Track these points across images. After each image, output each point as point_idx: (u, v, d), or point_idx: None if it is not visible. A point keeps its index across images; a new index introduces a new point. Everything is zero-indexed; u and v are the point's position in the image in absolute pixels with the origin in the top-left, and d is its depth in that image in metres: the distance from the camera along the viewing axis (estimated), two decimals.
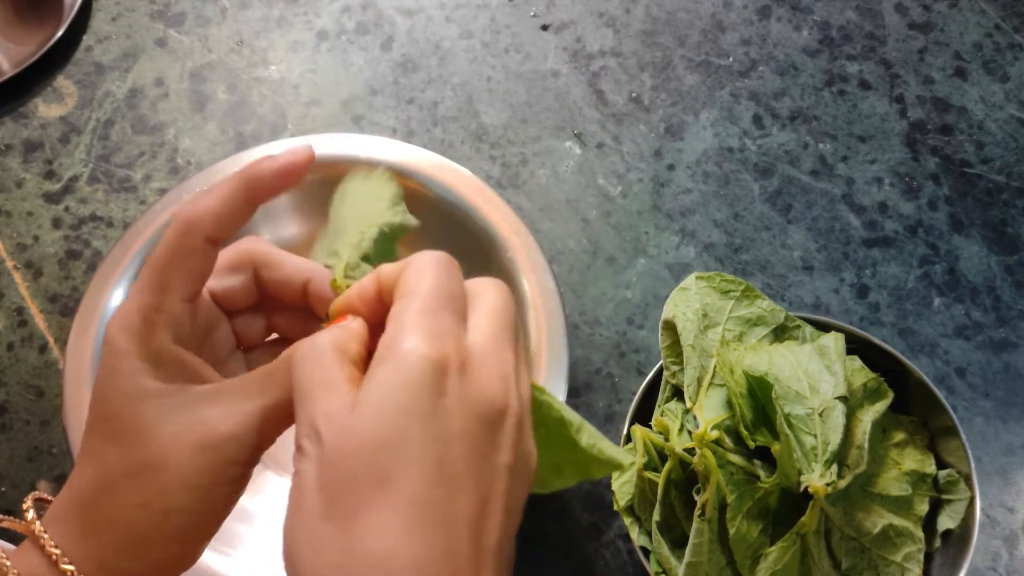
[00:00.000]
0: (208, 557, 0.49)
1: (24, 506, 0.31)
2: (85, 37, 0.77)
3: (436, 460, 0.25)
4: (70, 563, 0.29)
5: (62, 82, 0.75)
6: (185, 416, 0.29)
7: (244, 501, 0.55)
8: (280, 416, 0.30)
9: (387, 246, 0.36)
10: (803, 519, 0.44)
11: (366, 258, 0.34)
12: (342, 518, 0.25)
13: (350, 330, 0.29)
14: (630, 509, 0.51)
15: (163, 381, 0.30)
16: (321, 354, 0.28)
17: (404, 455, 0.25)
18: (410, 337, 0.26)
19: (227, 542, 0.51)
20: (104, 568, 0.30)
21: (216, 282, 0.35)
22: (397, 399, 0.25)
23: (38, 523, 0.30)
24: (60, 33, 0.74)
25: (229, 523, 0.53)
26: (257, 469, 0.58)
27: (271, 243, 0.36)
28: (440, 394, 0.26)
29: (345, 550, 0.25)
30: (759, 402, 0.46)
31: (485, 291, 0.30)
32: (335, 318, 0.31)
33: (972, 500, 0.49)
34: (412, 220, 0.37)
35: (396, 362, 0.26)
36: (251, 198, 0.32)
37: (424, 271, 0.29)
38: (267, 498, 0.57)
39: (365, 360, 0.29)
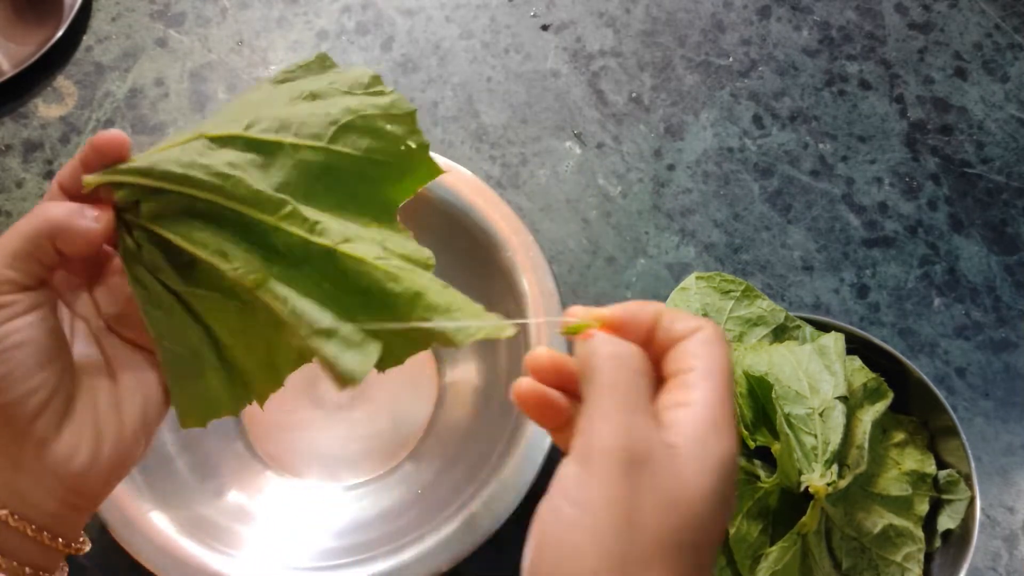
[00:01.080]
0: (208, 557, 0.49)
1: None
2: (85, 37, 0.77)
3: (718, 537, 0.27)
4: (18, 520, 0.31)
5: (62, 82, 0.75)
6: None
7: (244, 502, 0.56)
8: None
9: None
10: (804, 519, 0.44)
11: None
12: (657, 567, 0.26)
13: (638, 357, 0.29)
14: None
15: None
16: (640, 367, 0.29)
17: (710, 529, 0.27)
18: (727, 421, 0.28)
19: (228, 542, 0.51)
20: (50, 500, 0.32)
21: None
22: (717, 482, 0.27)
23: None
24: (60, 33, 0.74)
25: (229, 523, 0.54)
26: (257, 469, 0.59)
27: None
28: (733, 483, 0.28)
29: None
30: (759, 402, 0.46)
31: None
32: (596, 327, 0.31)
33: (972, 500, 0.49)
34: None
35: (722, 445, 0.27)
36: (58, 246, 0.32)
37: (723, 348, 0.29)
38: (267, 498, 0.57)
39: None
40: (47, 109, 0.74)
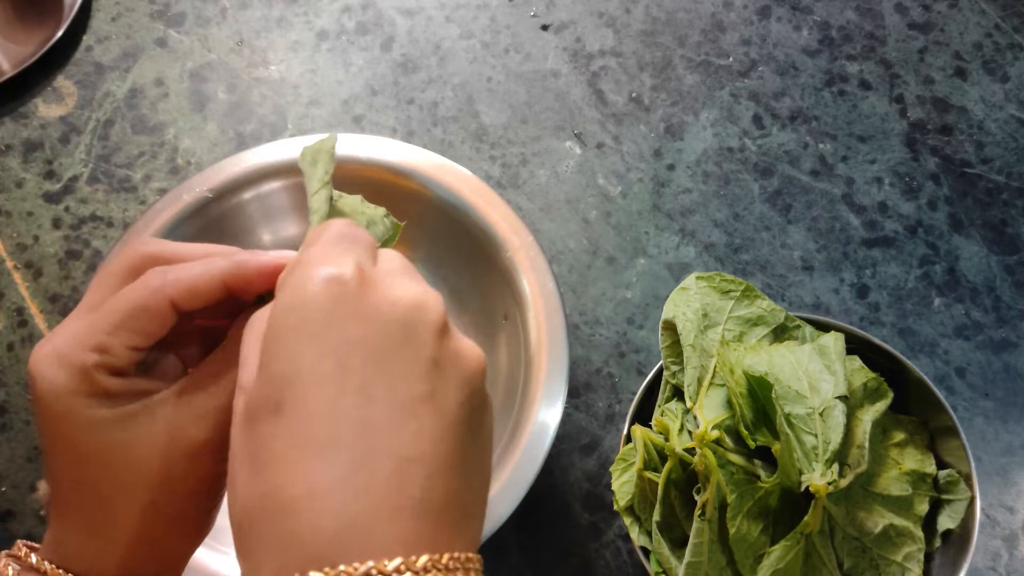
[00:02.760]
0: (207, 557, 0.49)
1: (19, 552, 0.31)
2: (85, 37, 0.77)
3: (335, 373, 0.24)
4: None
5: (62, 82, 0.75)
6: (153, 427, 0.29)
7: None
8: None
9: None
10: (807, 519, 0.44)
11: None
12: (249, 454, 0.24)
13: None
14: (630, 509, 0.51)
15: (112, 407, 0.29)
16: (255, 322, 0.28)
17: (298, 377, 0.24)
18: (303, 263, 0.26)
19: (225, 541, 0.51)
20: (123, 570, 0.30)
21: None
22: (288, 323, 0.25)
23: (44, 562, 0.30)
24: (60, 33, 0.74)
25: (225, 521, 0.53)
26: None
27: (166, 246, 0.33)
28: (335, 304, 0.25)
29: (250, 483, 0.24)
30: (759, 402, 0.46)
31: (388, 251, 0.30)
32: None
33: (972, 500, 0.49)
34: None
35: (288, 286, 0.26)
36: (230, 285, 0.31)
37: (328, 224, 0.29)
38: None
39: None
40: (47, 109, 0.74)
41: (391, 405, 0.24)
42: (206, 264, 0.30)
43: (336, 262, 0.26)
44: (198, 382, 0.30)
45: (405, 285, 0.27)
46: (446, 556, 0.23)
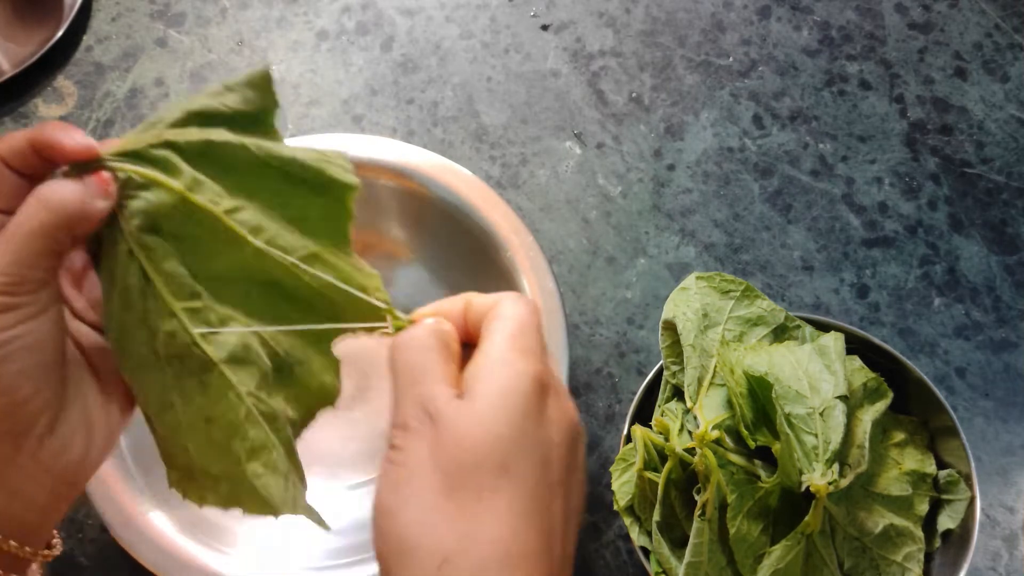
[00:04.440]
0: (207, 556, 0.49)
1: None
2: (85, 37, 0.77)
3: (543, 462, 0.28)
4: None
5: (62, 82, 0.75)
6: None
7: None
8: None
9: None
10: (807, 519, 0.44)
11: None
12: (465, 499, 0.27)
13: (449, 330, 0.32)
14: (630, 509, 0.51)
15: None
16: (428, 344, 0.31)
17: (521, 451, 0.28)
18: (518, 351, 0.30)
19: (228, 542, 0.51)
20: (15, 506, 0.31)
21: None
22: (514, 401, 0.28)
23: None
24: (60, 33, 0.74)
25: (225, 521, 0.54)
26: None
27: None
28: (543, 406, 0.29)
29: (466, 531, 0.27)
30: (759, 402, 0.46)
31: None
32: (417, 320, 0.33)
33: (972, 500, 0.49)
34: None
35: (510, 370, 0.29)
36: (35, 143, 0.30)
37: (518, 303, 0.32)
38: None
39: (459, 360, 0.32)
40: (47, 109, 0.74)
41: (565, 508, 0.29)
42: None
43: (544, 367, 0.30)
44: None
45: (569, 401, 0.31)
46: None
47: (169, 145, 0.30)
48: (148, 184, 0.30)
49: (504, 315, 0.31)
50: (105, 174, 0.30)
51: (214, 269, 0.31)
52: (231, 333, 0.31)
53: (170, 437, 0.32)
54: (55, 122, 0.30)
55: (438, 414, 0.29)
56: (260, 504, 0.32)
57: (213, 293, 0.31)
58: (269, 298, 0.32)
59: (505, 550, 0.27)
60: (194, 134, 0.31)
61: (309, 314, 0.33)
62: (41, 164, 0.30)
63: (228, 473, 0.32)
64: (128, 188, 0.30)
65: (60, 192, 0.29)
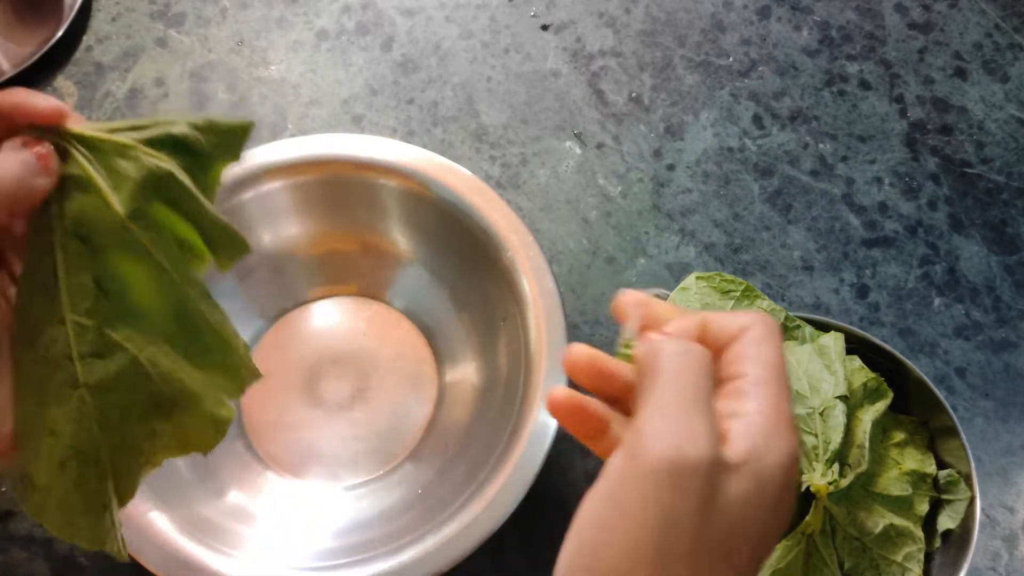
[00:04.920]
0: (207, 556, 0.49)
1: None
2: (85, 37, 0.77)
3: (762, 547, 0.27)
4: None
5: (62, 82, 0.75)
6: None
7: (244, 502, 0.56)
8: None
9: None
10: (808, 518, 0.44)
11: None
12: (685, 573, 0.25)
13: (703, 358, 0.28)
14: None
15: None
16: (701, 367, 0.27)
17: (752, 539, 0.26)
18: (783, 430, 0.27)
19: (228, 542, 0.51)
20: None
21: None
22: (770, 489, 0.26)
23: None
24: (60, 33, 0.74)
25: (225, 521, 0.54)
26: (257, 469, 0.59)
27: None
28: (789, 490, 0.27)
29: None
30: None
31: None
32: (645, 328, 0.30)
33: (972, 500, 0.49)
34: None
35: (773, 454, 0.26)
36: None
37: (772, 350, 0.28)
38: (267, 498, 0.57)
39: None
40: None
41: None
42: None
43: (795, 454, 0.27)
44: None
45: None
46: None
47: (133, 159, 0.30)
48: (91, 192, 0.30)
49: (767, 371, 0.28)
50: (44, 149, 0.28)
51: (128, 288, 0.31)
52: (114, 359, 0.31)
53: (19, 432, 0.31)
54: (22, 88, 0.29)
55: (698, 471, 0.25)
56: (63, 527, 0.32)
57: (116, 314, 0.31)
58: (176, 330, 0.32)
59: None
60: (155, 162, 0.31)
61: (207, 353, 0.33)
62: (2, 130, 0.29)
63: (52, 489, 0.31)
64: (72, 184, 0.30)
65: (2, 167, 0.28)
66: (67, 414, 0.30)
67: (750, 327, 0.28)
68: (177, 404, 0.32)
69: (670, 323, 0.30)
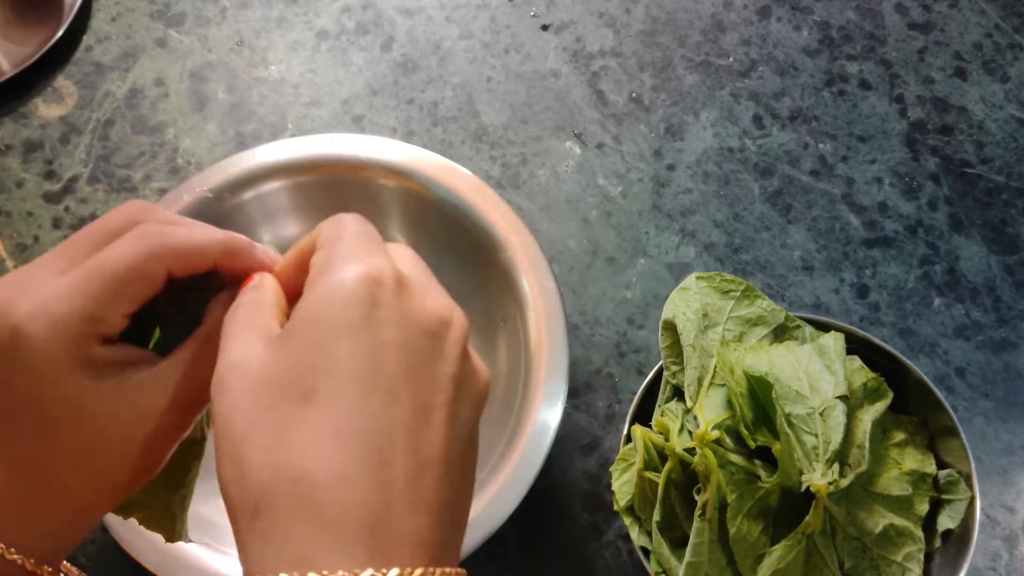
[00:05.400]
0: (207, 556, 0.49)
1: None
2: (85, 37, 0.77)
3: (368, 371, 0.25)
4: (16, 553, 0.29)
5: (62, 82, 0.75)
6: (134, 402, 0.29)
7: None
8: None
9: None
10: (808, 519, 0.44)
11: None
12: (268, 436, 0.25)
13: (264, 284, 0.30)
14: (630, 509, 0.51)
15: (95, 378, 0.29)
16: (238, 306, 0.29)
17: (333, 370, 0.25)
18: (340, 260, 0.27)
19: (228, 542, 0.51)
20: (58, 538, 0.30)
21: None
22: (326, 316, 0.26)
23: None
24: (60, 33, 0.74)
25: (225, 521, 0.53)
26: None
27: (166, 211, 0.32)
28: (374, 306, 0.26)
29: (270, 465, 0.25)
30: (759, 402, 0.46)
31: (403, 246, 0.31)
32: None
33: (972, 500, 0.49)
34: None
35: (326, 282, 0.26)
36: (222, 262, 0.31)
37: (342, 220, 0.29)
38: None
39: (286, 312, 0.30)
40: (47, 109, 0.74)
41: (414, 409, 0.26)
42: (206, 231, 0.30)
43: (373, 263, 0.27)
44: (177, 364, 0.30)
45: (436, 295, 0.28)
46: (438, 571, 0.24)
47: None
48: None
49: (329, 237, 0.29)
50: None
51: None
52: None
53: None
54: (241, 237, 0.31)
55: (243, 363, 0.26)
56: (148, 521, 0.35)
57: None
58: None
59: (308, 482, 0.24)
60: None
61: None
62: (194, 270, 0.30)
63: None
64: None
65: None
66: None
67: (321, 228, 0.30)
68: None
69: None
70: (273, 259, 0.31)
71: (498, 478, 0.50)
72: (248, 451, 0.25)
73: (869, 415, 0.48)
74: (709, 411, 0.47)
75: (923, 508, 0.49)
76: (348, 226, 0.29)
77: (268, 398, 0.25)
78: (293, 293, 0.30)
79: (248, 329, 0.28)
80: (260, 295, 0.30)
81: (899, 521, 0.48)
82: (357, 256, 0.27)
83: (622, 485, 0.51)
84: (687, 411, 0.49)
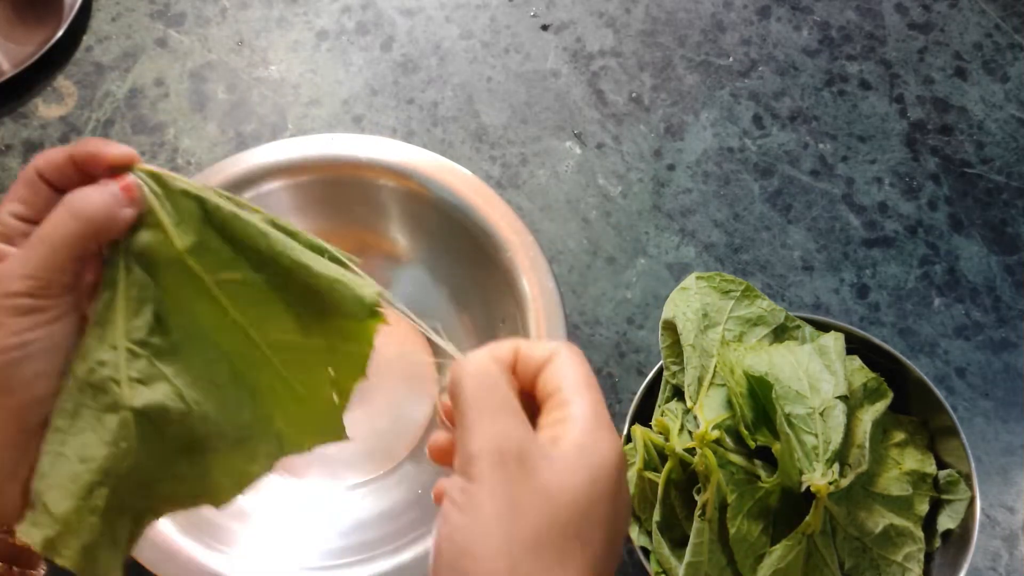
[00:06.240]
0: (207, 556, 0.49)
1: None
2: (85, 37, 0.77)
3: (613, 536, 0.30)
4: None
5: (62, 82, 0.75)
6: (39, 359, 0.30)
7: (244, 501, 0.56)
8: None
9: None
10: (808, 519, 0.44)
11: None
12: (549, 559, 0.28)
13: (505, 369, 0.32)
14: None
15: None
16: (496, 373, 0.31)
17: (600, 526, 0.29)
18: (606, 423, 0.31)
19: (227, 542, 0.51)
20: None
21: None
22: (607, 472, 0.30)
23: None
24: (60, 33, 0.74)
25: (225, 521, 0.54)
26: None
27: None
28: (623, 482, 0.31)
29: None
30: (759, 402, 0.46)
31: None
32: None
33: (972, 500, 0.49)
34: None
35: (604, 438, 0.30)
36: (75, 157, 0.31)
37: (582, 367, 0.33)
38: (267, 498, 0.57)
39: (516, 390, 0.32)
40: (47, 109, 0.74)
41: (621, 532, 0.31)
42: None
43: (619, 439, 0.31)
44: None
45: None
46: None
47: (199, 200, 0.31)
48: (155, 226, 0.30)
49: (581, 382, 0.32)
50: (131, 180, 0.30)
51: (187, 326, 0.32)
52: (158, 388, 0.31)
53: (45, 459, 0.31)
54: (94, 138, 0.31)
55: (526, 456, 0.29)
56: (80, 559, 0.31)
57: (169, 348, 0.31)
58: (229, 374, 0.32)
59: None
60: (226, 204, 0.32)
61: (258, 405, 0.33)
62: (77, 177, 0.31)
63: (73, 517, 0.30)
64: (139, 218, 0.30)
65: (89, 201, 0.30)
66: (101, 438, 0.30)
67: (558, 351, 0.33)
68: (208, 448, 0.32)
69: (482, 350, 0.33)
70: (125, 150, 0.31)
71: None
72: (525, 557, 0.28)
73: (869, 415, 0.48)
74: (709, 411, 0.47)
75: (923, 508, 0.50)
76: (589, 375, 0.33)
77: (564, 515, 0.28)
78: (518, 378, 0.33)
79: (517, 417, 0.30)
80: (498, 376, 0.32)
81: (899, 521, 0.48)
82: (611, 426, 0.31)
83: None
84: (687, 411, 0.49)
